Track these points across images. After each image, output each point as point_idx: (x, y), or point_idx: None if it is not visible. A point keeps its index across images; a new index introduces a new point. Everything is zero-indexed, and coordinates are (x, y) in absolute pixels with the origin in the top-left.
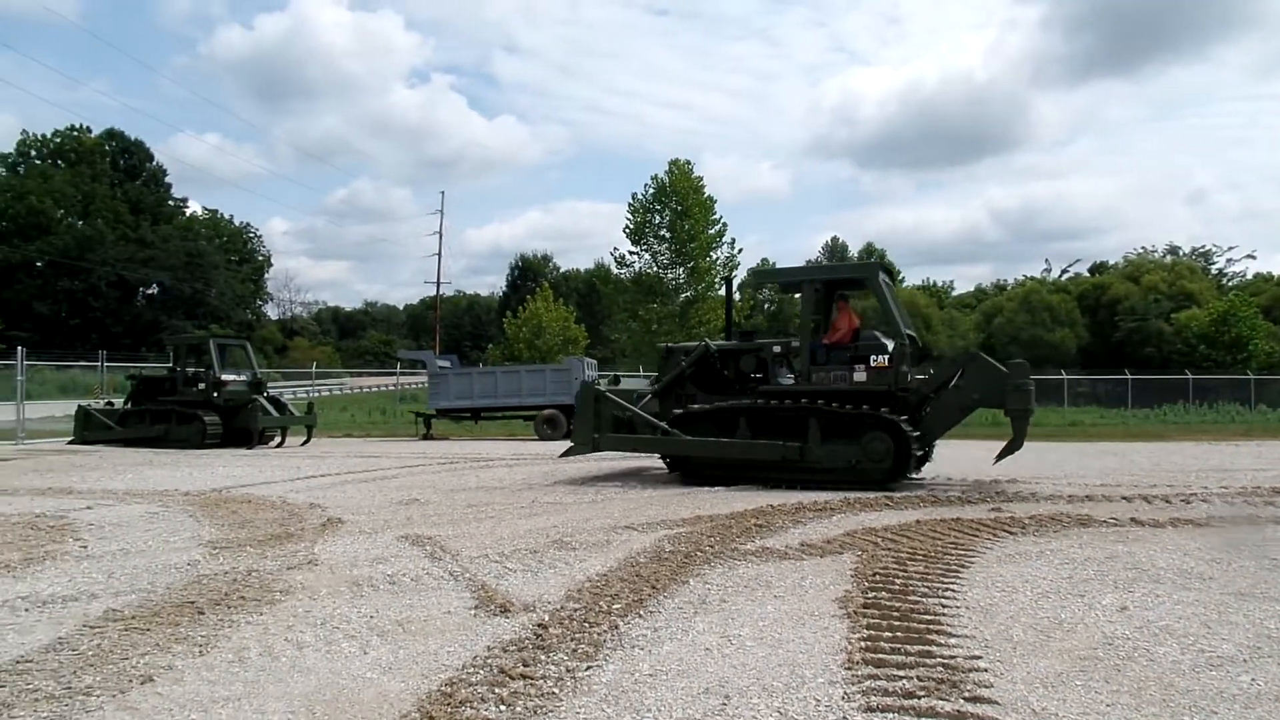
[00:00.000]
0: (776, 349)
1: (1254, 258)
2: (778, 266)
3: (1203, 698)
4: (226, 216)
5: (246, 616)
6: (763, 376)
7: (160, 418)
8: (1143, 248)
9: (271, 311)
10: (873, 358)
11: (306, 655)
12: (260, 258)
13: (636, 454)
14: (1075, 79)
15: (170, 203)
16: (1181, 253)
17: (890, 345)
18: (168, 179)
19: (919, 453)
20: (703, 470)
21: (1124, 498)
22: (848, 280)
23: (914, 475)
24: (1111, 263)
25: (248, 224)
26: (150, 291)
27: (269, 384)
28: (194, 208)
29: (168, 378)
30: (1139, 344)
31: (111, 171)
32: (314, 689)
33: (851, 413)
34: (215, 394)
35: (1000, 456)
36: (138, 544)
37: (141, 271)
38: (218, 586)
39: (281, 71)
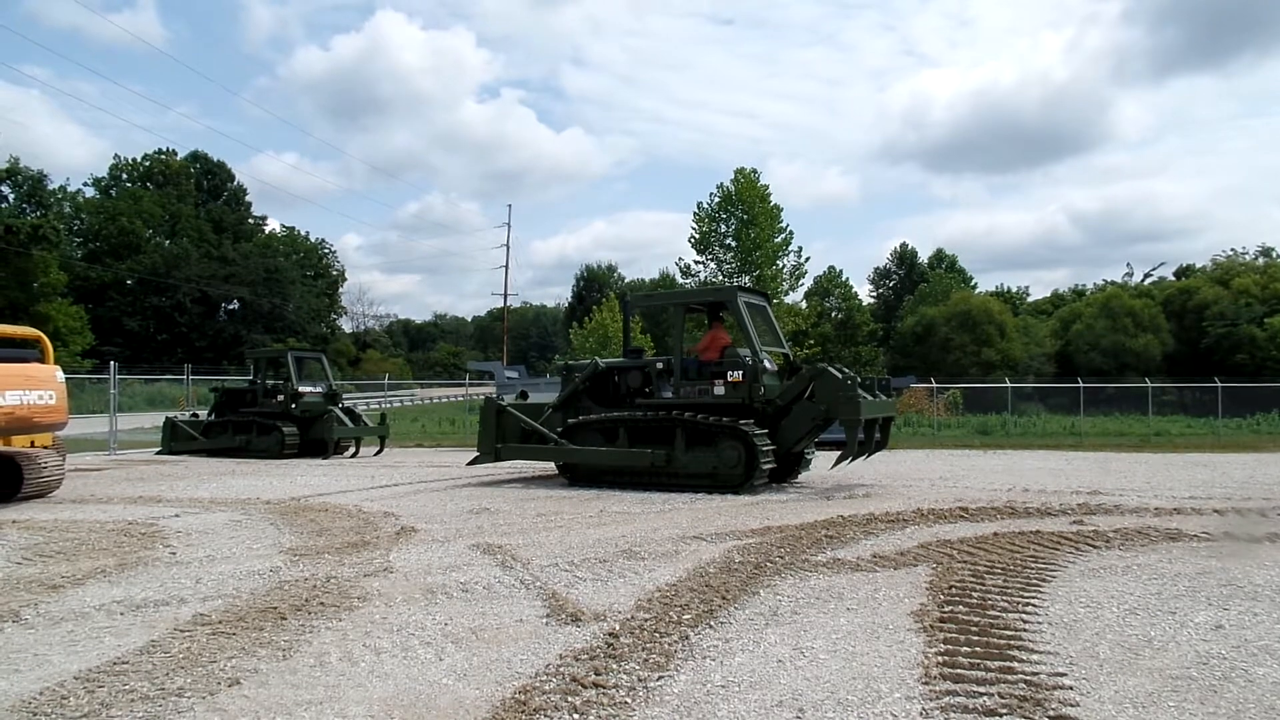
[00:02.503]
0: (659, 365)
1: None
2: (652, 292)
3: None
4: (303, 233)
5: (326, 622)
6: (649, 390)
7: (241, 429)
8: (1233, 249)
9: (345, 325)
10: (730, 373)
11: (384, 661)
12: (334, 272)
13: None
14: (1160, 75)
15: (250, 221)
16: (1275, 254)
17: (749, 362)
18: (248, 198)
19: (769, 464)
20: (588, 475)
21: (1216, 511)
22: (711, 303)
23: (792, 479)
24: (1199, 266)
25: (323, 240)
26: (231, 307)
27: (344, 395)
28: (272, 225)
29: (248, 390)
30: (1229, 350)
31: (196, 192)
32: (392, 694)
33: (709, 423)
34: (293, 405)
35: (837, 462)
36: (223, 551)
37: (223, 288)
38: (298, 592)
39: (356, 90)
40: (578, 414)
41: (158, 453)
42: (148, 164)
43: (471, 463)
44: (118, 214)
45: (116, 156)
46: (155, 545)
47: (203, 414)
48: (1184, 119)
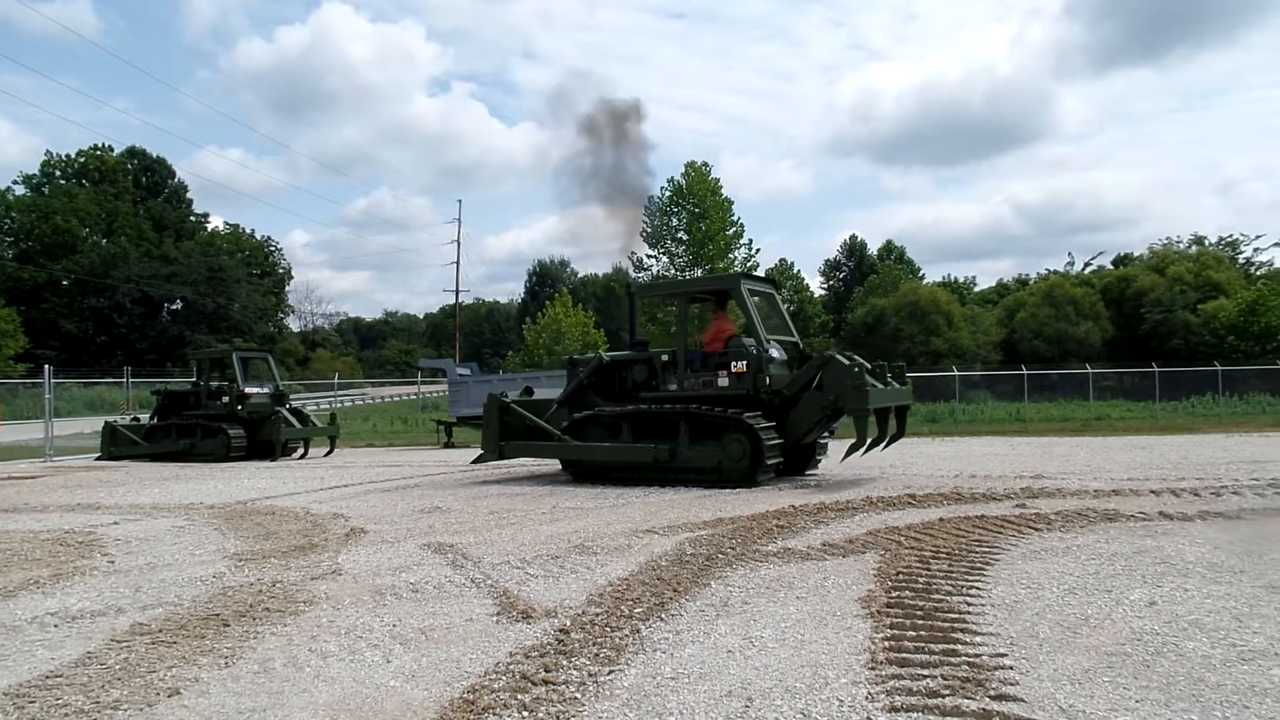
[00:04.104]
0: (665, 357)
1: None
2: (661, 280)
3: (1234, 692)
4: (248, 231)
5: (271, 627)
6: (655, 384)
7: (185, 432)
8: (1167, 238)
9: (293, 324)
10: (733, 364)
11: (330, 665)
12: (281, 270)
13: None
14: (1100, 69)
15: (192, 219)
16: (1207, 243)
17: (753, 351)
18: (189, 195)
19: (774, 458)
20: (592, 472)
21: (1152, 491)
22: (715, 292)
23: (808, 472)
24: (1136, 255)
25: (268, 237)
26: (174, 307)
27: (291, 396)
28: (215, 223)
29: (192, 392)
30: (1165, 336)
31: (134, 189)
32: (338, 698)
33: (713, 416)
34: (239, 407)
35: (846, 454)
36: (164, 558)
37: (165, 287)
38: (243, 598)
39: (302, 84)
40: (583, 409)
41: (97, 458)
42: (82, 160)
43: (475, 461)
44: (51, 212)
45: (49, 153)
46: (93, 554)
47: (144, 418)
48: (1123, 112)
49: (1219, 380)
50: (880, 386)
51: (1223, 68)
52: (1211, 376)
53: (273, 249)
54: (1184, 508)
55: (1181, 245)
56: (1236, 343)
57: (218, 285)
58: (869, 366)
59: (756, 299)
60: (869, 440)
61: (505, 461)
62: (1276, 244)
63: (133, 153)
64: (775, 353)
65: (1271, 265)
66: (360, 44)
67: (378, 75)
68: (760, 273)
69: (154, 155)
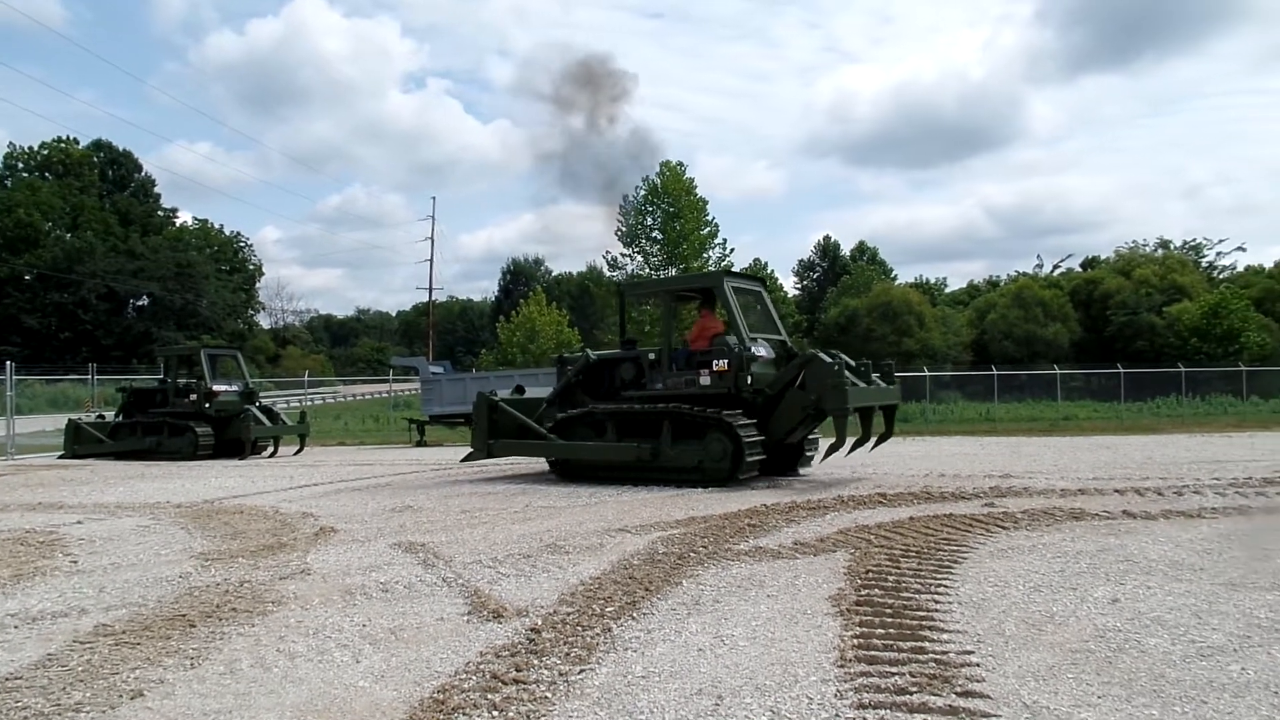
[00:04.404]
0: (651, 356)
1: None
2: (646, 279)
3: (1193, 687)
4: (217, 226)
5: (238, 628)
6: (643, 382)
7: (152, 430)
8: (1134, 242)
9: (263, 321)
10: (715, 362)
11: (299, 665)
12: (251, 267)
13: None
14: (1070, 74)
15: (160, 213)
16: (1172, 246)
17: (735, 350)
18: (157, 189)
19: (755, 457)
20: (579, 471)
21: (1117, 491)
22: (700, 290)
23: (795, 472)
24: (1103, 258)
25: (238, 233)
26: (140, 303)
27: (261, 393)
28: (184, 218)
29: (159, 389)
30: (1131, 338)
31: (100, 183)
32: (306, 699)
33: (695, 415)
34: (207, 405)
35: (826, 454)
36: (129, 558)
37: (131, 283)
38: (209, 598)
39: (274, 78)
40: (572, 408)
41: (60, 457)
42: (46, 153)
43: (465, 459)
44: (14, 205)
45: (12, 145)
46: (55, 554)
47: (109, 415)
48: (1092, 117)
49: (1182, 381)
50: (863, 386)
51: (1188, 75)
52: (1175, 378)
53: (243, 245)
54: (1147, 507)
55: (1147, 249)
56: (1199, 345)
57: (186, 281)
58: (853, 364)
59: (742, 297)
60: (854, 440)
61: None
62: (1239, 248)
63: (99, 146)
64: (762, 351)
65: (1233, 269)
66: (334, 38)
67: (352, 70)
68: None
69: (120, 148)
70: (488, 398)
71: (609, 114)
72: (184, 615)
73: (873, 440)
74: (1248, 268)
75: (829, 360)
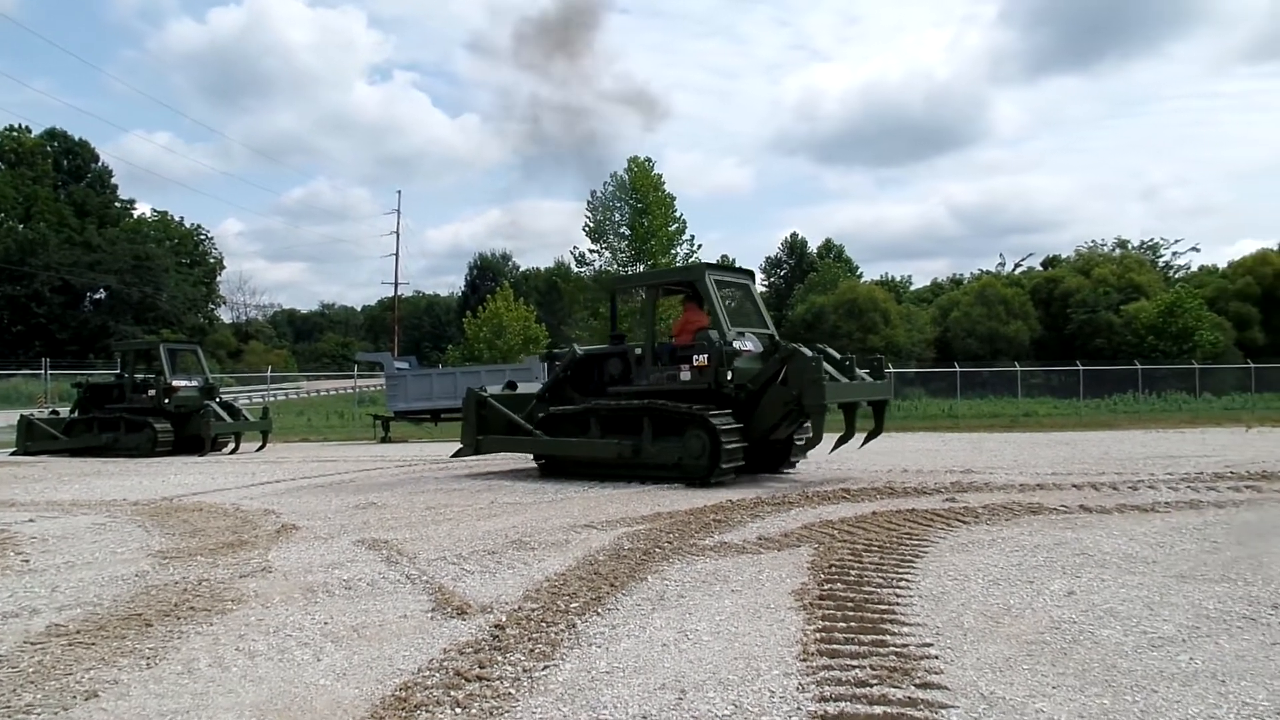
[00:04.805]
0: (638, 351)
1: (1198, 250)
2: (628, 274)
3: (1144, 677)
4: (176, 218)
5: (196, 627)
6: (631, 378)
7: (108, 426)
8: (1093, 241)
9: (225, 315)
10: (695, 357)
11: (258, 664)
12: (212, 260)
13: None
14: (1033, 75)
15: (117, 205)
16: (1130, 246)
17: (716, 343)
18: (114, 180)
19: (735, 455)
20: (565, 468)
21: (1074, 485)
22: (681, 283)
23: (784, 469)
24: (1064, 257)
25: (199, 226)
26: (97, 296)
27: (222, 389)
28: (142, 209)
29: (115, 385)
30: (1090, 335)
31: (54, 173)
32: (265, 698)
33: (675, 411)
34: (166, 400)
35: (800, 451)
36: (83, 556)
37: (87, 276)
38: (167, 597)
39: (236, 68)
40: (561, 404)
41: (12, 454)
42: None
43: (455, 454)
44: None
45: None
46: (6, 552)
47: (64, 411)
48: (1054, 118)
49: (1139, 378)
50: (844, 381)
51: (1147, 78)
52: (1132, 375)
53: (203, 238)
54: (1103, 501)
55: (1106, 248)
56: (1156, 343)
57: (144, 274)
58: (837, 358)
59: (726, 290)
60: (839, 437)
61: (443, 457)
62: (1193, 249)
63: (53, 135)
64: (748, 345)
65: (1188, 269)
66: (298, 29)
67: (316, 61)
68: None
69: (76, 138)
70: (477, 394)
71: (585, 42)
72: (140, 614)
73: (862, 437)
74: (1202, 268)
75: (809, 355)
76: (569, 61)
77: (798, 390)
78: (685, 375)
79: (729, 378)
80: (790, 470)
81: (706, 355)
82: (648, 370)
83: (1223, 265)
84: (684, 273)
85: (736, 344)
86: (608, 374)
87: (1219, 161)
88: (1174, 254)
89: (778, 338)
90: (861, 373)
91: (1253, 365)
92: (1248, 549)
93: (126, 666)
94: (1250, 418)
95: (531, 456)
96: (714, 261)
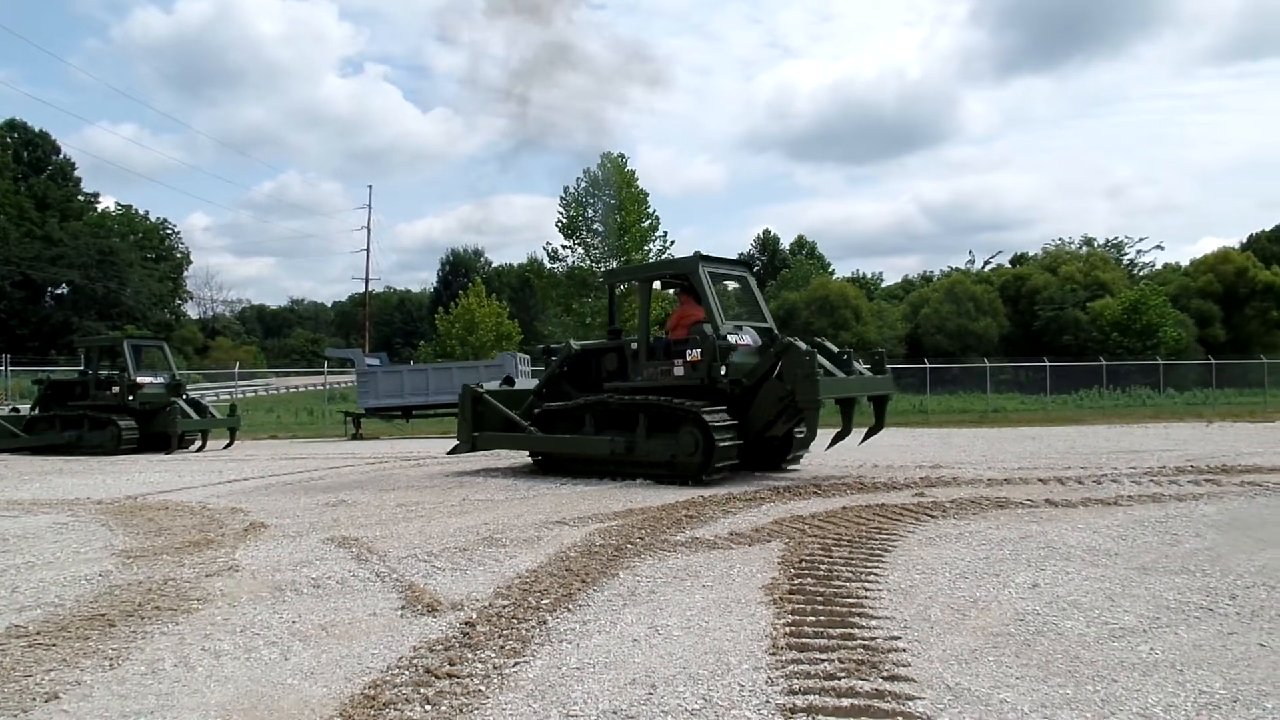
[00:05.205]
0: (634, 345)
1: (1162, 248)
2: (622, 267)
3: (1105, 668)
4: (142, 212)
5: (161, 627)
6: (627, 373)
7: (71, 424)
8: (1060, 239)
9: (191, 311)
10: (688, 352)
11: (224, 664)
12: (179, 255)
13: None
14: (1002, 75)
15: (80, 198)
16: (1096, 244)
17: (709, 338)
18: (76, 173)
19: (729, 452)
20: (559, 465)
21: (1040, 480)
22: (675, 275)
23: (785, 466)
24: (1031, 254)
25: (164, 220)
26: (59, 291)
27: (189, 386)
28: (107, 203)
29: (79, 381)
30: (1057, 332)
31: (14, 165)
32: (231, 698)
33: (669, 407)
34: (130, 397)
35: (795, 450)
36: (44, 556)
37: (49, 270)
38: (131, 597)
39: (203, 59)
40: (558, 400)
41: None
42: None
43: (451, 451)
44: None
45: None
46: None
47: (25, 409)
48: (1023, 118)
49: (1104, 374)
50: (840, 376)
51: (1113, 78)
52: (1097, 371)
53: (169, 232)
54: (1068, 495)
55: (1073, 246)
56: (1120, 339)
57: (108, 269)
58: (834, 352)
59: (722, 283)
60: (835, 433)
61: (415, 453)
62: (1157, 247)
63: (12, 125)
64: (746, 339)
65: (1152, 266)
66: (267, 20)
67: (286, 53)
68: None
69: (36, 129)
70: (473, 390)
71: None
72: (103, 615)
73: (865, 433)
74: (1165, 265)
75: (803, 348)
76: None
77: (792, 385)
78: (679, 370)
79: (723, 373)
80: (791, 468)
81: (700, 350)
82: (643, 365)
83: (1185, 263)
84: (678, 264)
85: (732, 338)
86: (604, 369)
87: (1183, 161)
88: (1138, 252)
89: (776, 331)
90: (861, 367)
91: (1214, 361)
92: (1206, 541)
93: (89, 668)
94: (1211, 413)
95: (528, 453)
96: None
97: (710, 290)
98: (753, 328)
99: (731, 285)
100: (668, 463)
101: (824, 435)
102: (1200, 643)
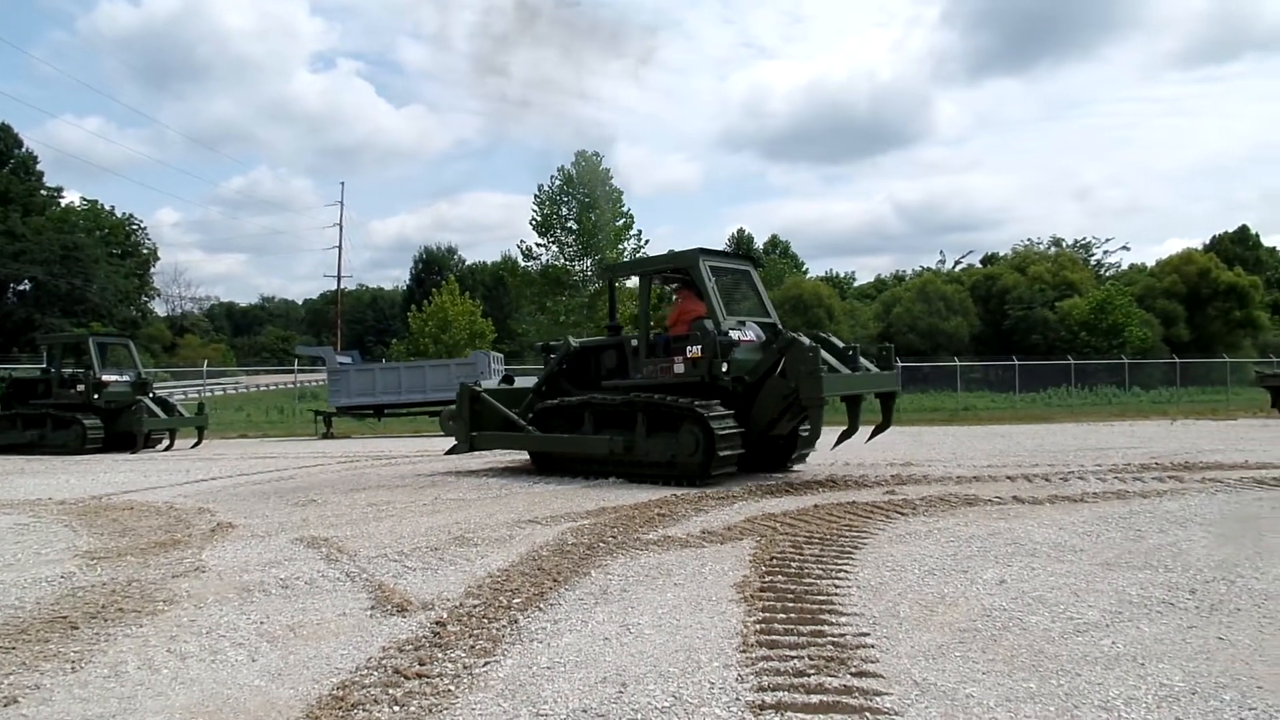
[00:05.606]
0: (634, 342)
1: (1128, 249)
2: (624, 261)
3: (1069, 661)
4: (107, 207)
5: (125, 629)
6: (627, 370)
7: (33, 422)
8: (1029, 240)
9: (159, 308)
10: (689, 349)
11: (190, 666)
12: (146, 251)
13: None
14: (973, 76)
15: (43, 192)
16: (1064, 244)
17: (710, 333)
18: (39, 166)
19: (731, 451)
20: (557, 465)
21: (1008, 477)
22: (676, 270)
23: (789, 466)
24: (1001, 254)
25: (131, 215)
26: (21, 288)
27: (156, 384)
28: (71, 198)
29: (41, 379)
30: (1026, 331)
31: None
32: (196, 701)
33: (670, 405)
34: (95, 395)
35: (800, 450)
36: (4, 557)
37: (11, 266)
38: (94, 599)
39: (171, 52)
40: (557, 398)
41: None
42: None
43: (449, 451)
44: None
45: None
46: None
47: None
48: (994, 119)
49: (1071, 373)
50: (846, 373)
51: (1081, 80)
52: (1065, 370)
53: (136, 227)
54: (1035, 492)
55: (1041, 246)
56: (1088, 338)
57: (73, 265)
58: (839, 347)
59: (724, 277)
60: (841, 431)
61: (387, 451)
62: (1123, 247)
63: None
64: (749, 335)
65: (1119, 267)
66: (237, 13)
67: (256, 47)
68: None
69: None
70: (470, 388)
71: None
72: (65, 617)
73: (871, 432)
74: (1132, 266)
75: (807, 344)
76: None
77: (796, 382)
78: (680, 367)
79: (724, 370)
80: (795, 468)
81: (701, 346)
82: (643, 362)
83: (1151, 264)
84: (679, 258)
85: (734, 334)
86: (603, 366)
87: (1149, 164)
88: (1105, 253)
89: (780, 326)
90: (867, 363)
91: (1178, 360)
92: (1169, 537)
93: (49, 671)
94: (1175, 410)
95: (528, 454)
96: (710, 246)
97: (711, 285)
98: (756, 323)
99: (733, 279)
100: (668, 463)
101: (829, 433)
102: (1161, 636)
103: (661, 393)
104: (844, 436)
